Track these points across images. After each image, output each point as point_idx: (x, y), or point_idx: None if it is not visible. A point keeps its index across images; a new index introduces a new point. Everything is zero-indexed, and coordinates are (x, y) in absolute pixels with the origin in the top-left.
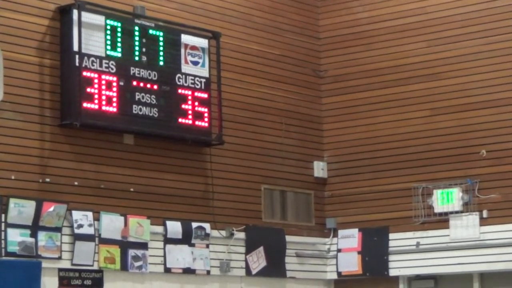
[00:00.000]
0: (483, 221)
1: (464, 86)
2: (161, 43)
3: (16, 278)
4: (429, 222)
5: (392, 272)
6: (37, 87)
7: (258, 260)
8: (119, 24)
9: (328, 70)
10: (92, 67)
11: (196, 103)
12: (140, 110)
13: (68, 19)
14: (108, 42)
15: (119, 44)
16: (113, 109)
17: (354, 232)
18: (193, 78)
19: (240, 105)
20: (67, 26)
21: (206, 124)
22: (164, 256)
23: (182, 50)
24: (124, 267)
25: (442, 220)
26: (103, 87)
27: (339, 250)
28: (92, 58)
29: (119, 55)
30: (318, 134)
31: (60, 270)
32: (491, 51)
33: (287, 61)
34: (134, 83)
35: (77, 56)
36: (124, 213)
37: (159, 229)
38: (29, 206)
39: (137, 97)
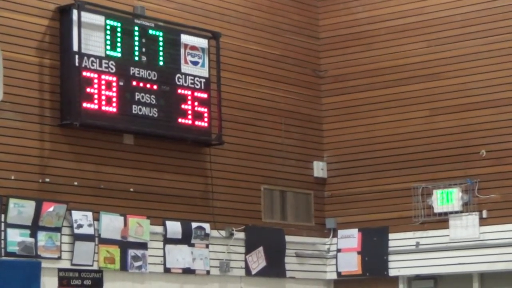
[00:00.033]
0: (483, 221)
1: (464, 86)
2: (160, 43)
3: (15, 278)
4: (428, 222)
5: (392, 272)
6: (37, 87)
7: (257, 260)
8: (119, 24)
9: (328, 70)
10: (92, 67)
11: (196, 103)
12: (140, 110)
13: (68, 19)
14: (108, 42)
15: (119, 44)
16: (113, 109)
17: (354, 232)
18: (192, 78)
19: (240, 105)
20: (67, 26)
21: (206, 124)
22: (164, 256)
23: (182, 50)
24: (123, 267)
25: (441, 220)
26: (103, 87)
27: (338, 250)
28: (92, 58)
29: (119, 55)
30: (318, 134)
31: (59, 270)
32: (491, 51)
33: (287, 61)
34: (134, 83)
35: (77, 56)
36: (123, 213)
37: (159, 229)
38: (29, 206)
39: (137, 97)
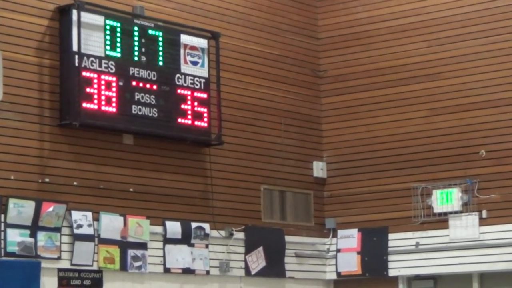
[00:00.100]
0: (483, 221)
1: (464, 86)
2: (160, 43)
3: (15, 278)
4: (428, 222)
5: (392, 272)
6: (36, 87)
7: (257, 260)
8: (119, 24)
9: (328, 70)
10: (92, 67)
11: (196, 103)
12: (140, 110)
13: (68, 19)
14: (108, 42)
15: (118, 44)
16: (112, 109)
17: (354, 232)
18: (192, 78)
19: (240, 105)
20: (67, 26)
21: (206, 124)
22: (164, 256)
23: (182, 50)
24: (123, 267)
25: (441, 220)
26: (103, 87)
27: (338, 250)
28: (91, 58)
29: (119, 55)
30: (317, 134)
31: (59, 270)
32: (491, 51)
33: (287, 61)
34: (134, 83)
35: (76, 56)
36: (123, 213)
37: (159, 229)
38: (29, 206)
39: (136, 97)
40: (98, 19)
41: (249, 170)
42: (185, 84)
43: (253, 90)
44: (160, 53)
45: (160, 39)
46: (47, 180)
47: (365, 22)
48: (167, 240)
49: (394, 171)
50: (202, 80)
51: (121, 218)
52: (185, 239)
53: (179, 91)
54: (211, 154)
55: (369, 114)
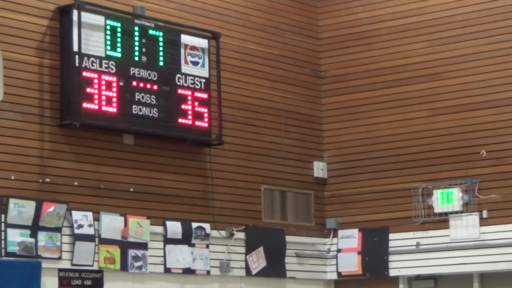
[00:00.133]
0: (483, 221)
1: (464, 86)
2: (161, 43)
3: (16, 278)
4: (429, 222)
5: (392, 272)
6: (36, 87)
7: (258, 260)
8: (119, 24)
9: (328, 70)
10: (92, 67)
11: (196, 103)
12: (140, 110)
13: (68, 19)
14: (108, 42)
15: (119, 44)
16: (113, 109)
17: (354, 232)
18: (193, 78)
19: (240, 105)
20: (67, 26)
21: (206, 124)
22: (164, 256)
23: (182, 50)
24: (124, 267)
25: (442, 220)
26: (103, 87)
27: (339, 250)
28: (92, 58)
29: (119, 55)
30: (318, 134)
31: (60, 270)
32: (491, 51)
33: (287, 61)
34: (134, 83)
35: (77, 56)
36: (124, 213)
37: (159, 229)
38: (29, 206)
39: (137, 97)
40: (99, 19)
41: (250, 170)
42: (185, 84)
43: (254, 90)
44: (161, 53)
45: (161, 39)
46: (47, 180)
47: (365, 22)
48: (167, 240)
49: (394, 171)
50: (203, 80)
51: (122, 218)
52: (186, 239)
53: (179, 91)
54: (212, 154)
55: (369, 114)
